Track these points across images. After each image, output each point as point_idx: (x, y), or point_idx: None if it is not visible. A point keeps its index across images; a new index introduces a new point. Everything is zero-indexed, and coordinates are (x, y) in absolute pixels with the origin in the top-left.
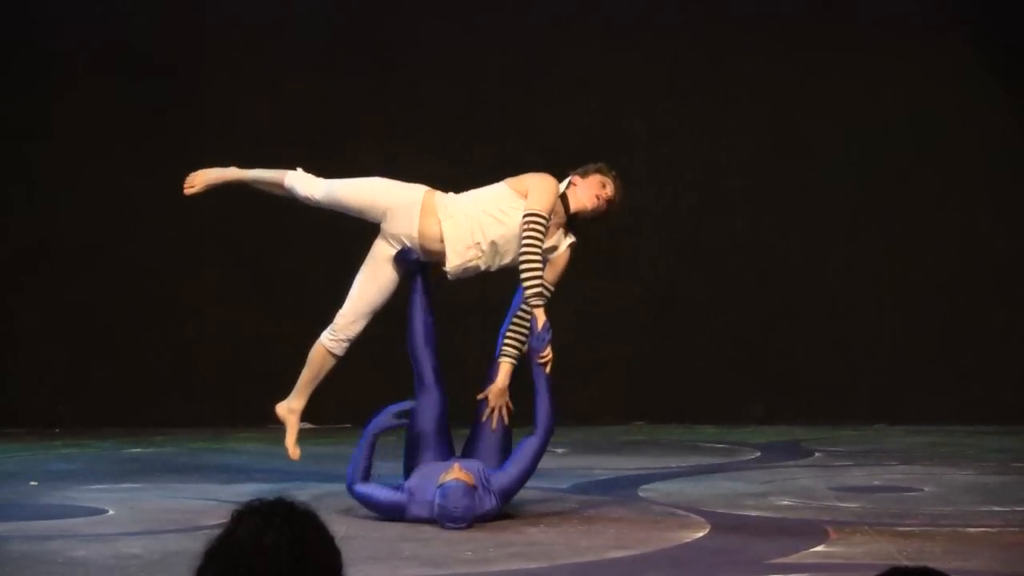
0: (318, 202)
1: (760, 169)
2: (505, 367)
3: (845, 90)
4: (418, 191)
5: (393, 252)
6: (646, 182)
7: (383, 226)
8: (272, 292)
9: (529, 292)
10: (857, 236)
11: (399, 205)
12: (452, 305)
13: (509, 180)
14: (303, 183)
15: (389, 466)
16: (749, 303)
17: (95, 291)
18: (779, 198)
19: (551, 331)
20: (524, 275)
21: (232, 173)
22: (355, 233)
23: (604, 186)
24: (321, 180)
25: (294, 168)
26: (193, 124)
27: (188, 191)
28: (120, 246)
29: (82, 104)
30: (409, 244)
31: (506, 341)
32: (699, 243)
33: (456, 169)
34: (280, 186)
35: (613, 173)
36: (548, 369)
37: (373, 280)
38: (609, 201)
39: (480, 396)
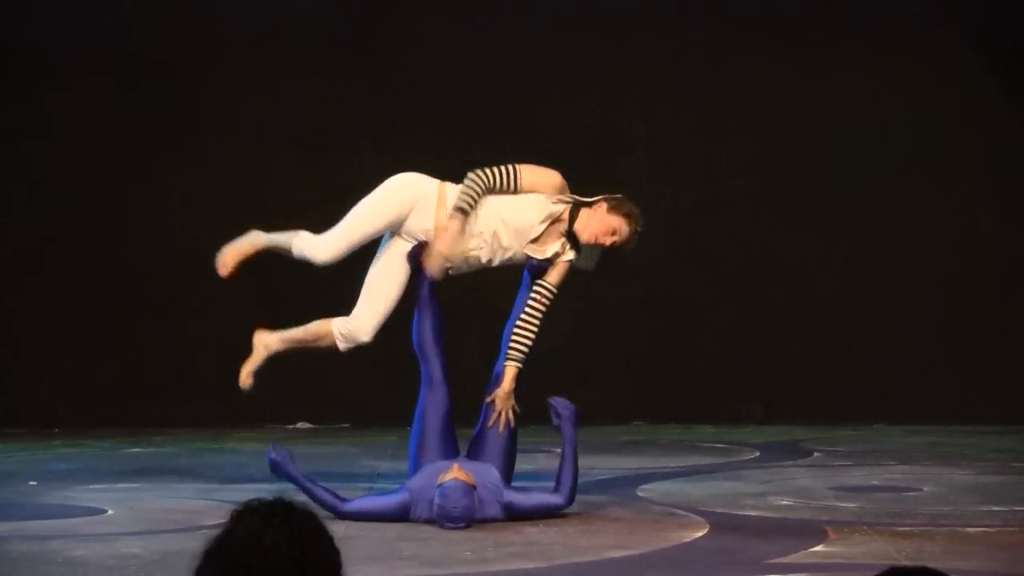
0: (339, 256)
1: (760, 169)
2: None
3: (845, 90)
4: (431, 183)
5: (407, 248)
6: (646, 182)
7: (404, 223)
8: (272, 292)
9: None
10: (857, 236)
11: (417, 201)
12: (452, 304)
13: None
14: (312, 250)
15: (387, 466)
16: (749, 303)
17: (95, 291)
18: (779, 198)
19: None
20: (465, 185)
21: (255, 239)
22: None
23: (614, 233)
24: (323, 238)
25: (296, 231)
26: (193, 124)
27: (223, 272)
28: (120, 246)
29: (82, 104)
30: (425, 238)
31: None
32: (699, 243)
33: (456, 169)
34: (291, 253)
35: (635, 226)
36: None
37: (389, 277)
38: (610, 245)
39: (488, 400)
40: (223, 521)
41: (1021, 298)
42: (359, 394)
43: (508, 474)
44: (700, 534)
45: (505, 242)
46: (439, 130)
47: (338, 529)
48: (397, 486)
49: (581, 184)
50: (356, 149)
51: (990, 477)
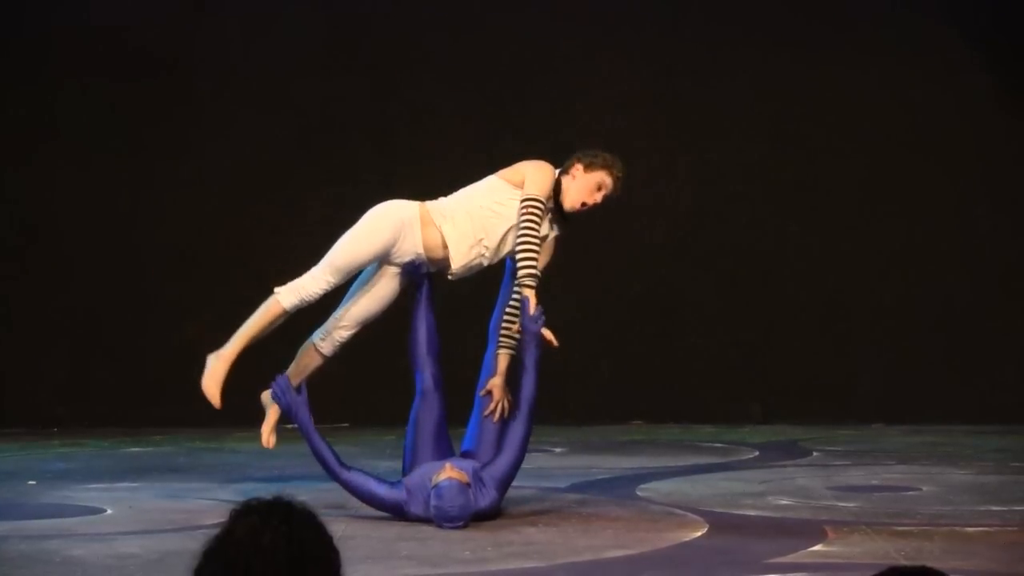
0: (326, 290)
1: (760, 169)
2: (504, 359)
3: (845, 90)
4: (411, 207)
5: (397, 268)
6: (646, 182)
7: (391, 252)
8: (270, 292)
9: (523, 273)
10: (857, 236)
11: (402, 228)
12: (449, 304)
13: (502, 172)
14: (303, 291)
15: (387, 465)
16: (748, 303)
17: (94, 291)
18: (779, 198)
19: (544, 314)
20: (520, 256)
21: (229, 349)
22: None
23: (600, 188)
24: (310, 273)
25: (271, 292)
26: (193, 124)
27: (218, 405)
28: (120, 246)
29: (82, 104)
30: (417, 260)
31: (502, 333)
32: (699, 243)
33: (455, 170)
34: (281, 313)
35: (617, 173)
36: (547, 343)
37: (371, 292)
38: (601, 200)
39: (483, 392)
40: (222, 521)
41: (1021, 298)
42: (359, 394)
43: (516, 464)
44: (699, 534)
45: (502, 244)
46: (438, 131)
47: (337, 529)
48: (396, 480)
49: None
50: (355, 150)
51: (989, 477)
